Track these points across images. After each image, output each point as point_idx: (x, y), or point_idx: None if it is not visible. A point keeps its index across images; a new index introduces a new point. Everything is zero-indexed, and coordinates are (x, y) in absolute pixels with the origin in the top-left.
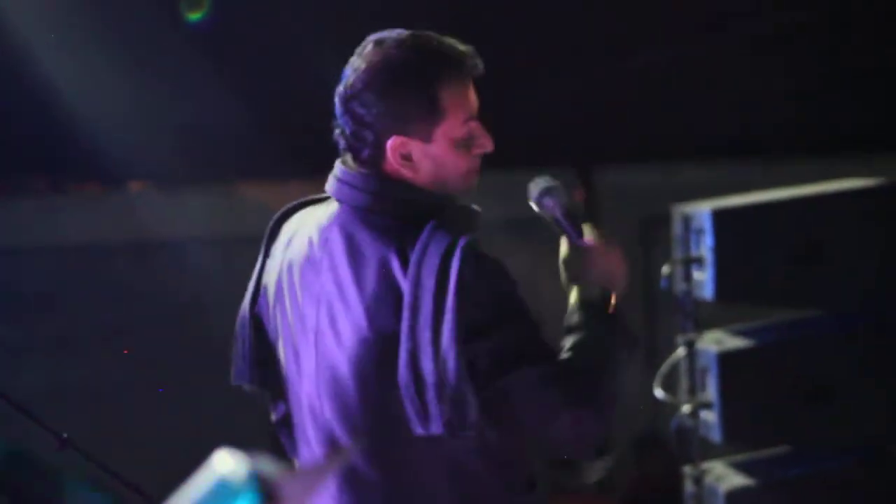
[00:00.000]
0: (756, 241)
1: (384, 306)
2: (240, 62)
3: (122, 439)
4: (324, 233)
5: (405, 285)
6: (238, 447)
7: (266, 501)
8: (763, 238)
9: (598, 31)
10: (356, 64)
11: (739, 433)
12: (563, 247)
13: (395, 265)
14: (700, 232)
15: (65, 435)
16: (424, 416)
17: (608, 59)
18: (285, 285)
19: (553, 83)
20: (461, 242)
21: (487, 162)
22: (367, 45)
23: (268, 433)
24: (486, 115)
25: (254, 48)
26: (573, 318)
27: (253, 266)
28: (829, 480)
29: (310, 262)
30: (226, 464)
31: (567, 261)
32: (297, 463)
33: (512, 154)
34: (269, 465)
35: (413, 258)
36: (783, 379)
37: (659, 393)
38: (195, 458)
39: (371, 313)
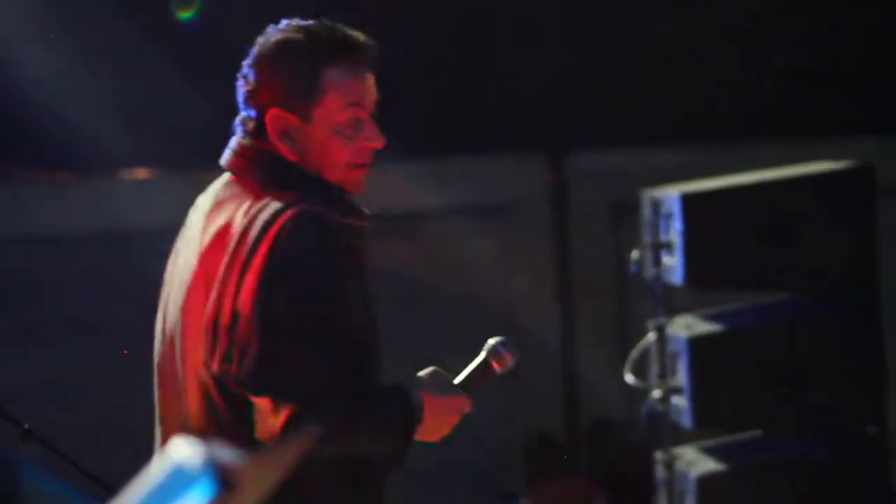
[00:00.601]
0: (725, 226)
1: (216, 253)
2: (207, 53)
3: (90, 431)
4: (200, 199)
5: (235, 235)
6: None
7: (222, 488)
8: (732, 222)
9: (569, 15)
10: (256, 43)
11: (710, 418)
12: (463, 375)
13: (238, 217)
14: (669, 216)
15: (27, 426)
16: (211, 353)
17: (578, 43)
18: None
19: (523, 68)
20: (301, 205)
21: (458, 146)
22: (268, 28)
23: None
24: (457, 101)
25: (219, 38)
26: (413, 386)
27: None
28: (800, 465)
29: (184, 226)
30: (181, 451)
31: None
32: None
33: (483, 139)
34: (225, 452)
35: (252, 210)
36: (754, 364)
37: (629, 378)
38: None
39: (204, 258)
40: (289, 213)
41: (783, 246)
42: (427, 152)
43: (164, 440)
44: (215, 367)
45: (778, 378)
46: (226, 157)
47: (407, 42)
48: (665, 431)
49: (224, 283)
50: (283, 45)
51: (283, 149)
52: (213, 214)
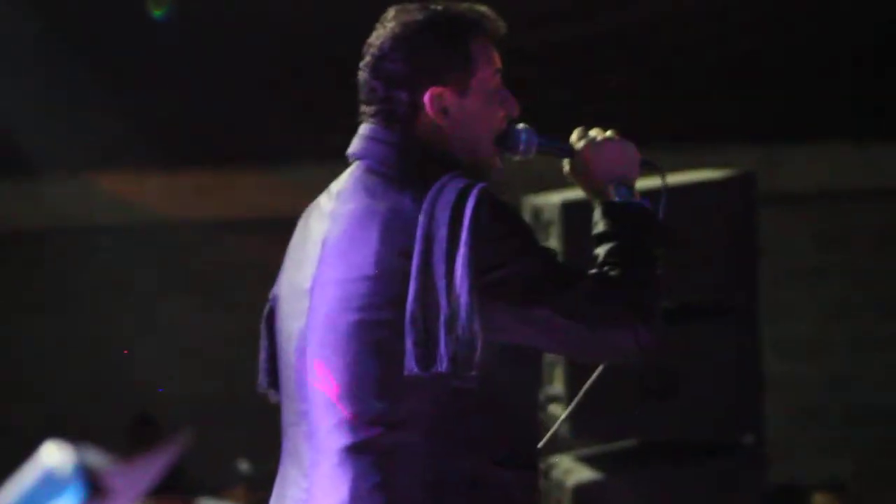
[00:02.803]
0: None
1: (392, 244)
2: (103, 53)
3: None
4: (337, 188)
5: (420, 219)
6: (100, 433)
7: (93, 494)
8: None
9: None
10: (382, 30)
11: (587, 427)
12: (565, 167)
13: (409, 206)
14: (550, 223)
15: None
16: (429, 353)
17: None
18: (293, 258)
19: None
20: (478, 185)
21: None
22: (390, 13)
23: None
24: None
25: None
26: (598, 226)
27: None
28: (676, 474)
29: (319, 215)
30: (53, 455)
31: (573, 174)
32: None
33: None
34: (96, 458)
35: (428, 196)
36: (629, 373)
37: None
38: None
39: (379, 251)
40: (472, 196)
41: (665, 252)
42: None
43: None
44: (439, 365)
45: (654, 387)
46: (364, 146)
47: None
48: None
49: (427, 279)
50: (426, 25)
51: (443, 125)
52: (355, 202)
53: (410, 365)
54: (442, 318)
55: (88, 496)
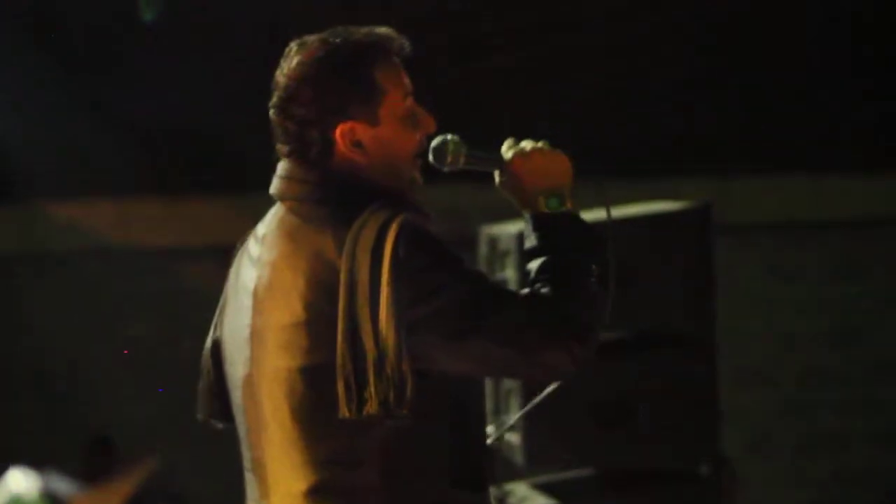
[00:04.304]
0: None
1: (318, 289)
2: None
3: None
4: (263, 231)
5: (342, 264)
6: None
7: None
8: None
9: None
10: (284, 69)
11: (542, 455)
12: (496, 178)
13: (331, 248)
14: (506, 254)
15: None
16: (359, 396)
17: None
18: (231, 301)
19: None
20: (398, 218)
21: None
22: (291, 49)
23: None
24: None
25: (66, 71)
26: (529, 241)
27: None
28: (632, 502)
29: (249, 261)
30: (18, 481)
31: (503, 187)
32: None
33: None
34: (62, 484)
35: (349, 237)
36: (586, 401)
37: None
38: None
39: (305, 297)
40: (391, 232)
41: (621, 284)
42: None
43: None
44: (369, 407)
45: (611, 416)
46: (282, 187)
47: None
48: (497, 467)
49: (353, 322)
50: (328, 60)
51: (358, 159)
52: (279, 248)
53: (342, 409)
54: (370, 360)
55: None
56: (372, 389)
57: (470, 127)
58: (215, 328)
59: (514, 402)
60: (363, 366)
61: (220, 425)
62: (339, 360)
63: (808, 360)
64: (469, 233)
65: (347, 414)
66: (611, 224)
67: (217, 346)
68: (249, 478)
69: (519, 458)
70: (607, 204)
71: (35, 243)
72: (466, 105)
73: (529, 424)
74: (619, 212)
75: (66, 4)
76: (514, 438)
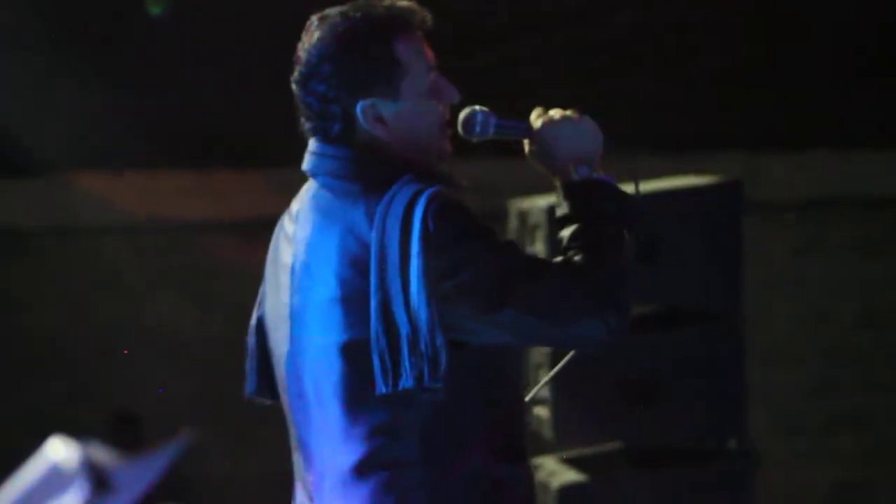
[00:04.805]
0: None
1: (352, 264)
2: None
3: None
4: (297, 208)
5: (373, 236)
6: (79, 432)
7: (98, 489)
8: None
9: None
10: (305, 44)
11: (572, 430)
12: (525, 147)
13: (362, 223)
14: (536, 227)
15: None
16: (395, 370)
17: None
18: (270, 278)
19: None
20: (427, 191)
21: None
22: (311, 24)
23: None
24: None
25: (97, 43)
26: (560, 209)
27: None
28: (661, 479)
29: (285, 238)
30: (58, 451)
31: (533, 156)
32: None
33: None
34: (101, 453)
35: (378, 211)
36: (615, 376)
37: None
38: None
39: (340, 273)
40: (420, 205)
41: (647, 259)
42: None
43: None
44: (404, 381)
45: (639, 391)
46: (314, 163)
47: None
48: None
49: (385, 296)
50: (348, 36)
51: (381, 136)
52: (313, 224)
53: (378, 384)
54: (403, 334)
55: (93, 491)
56: (406, 363)
57: (503, 107)
58: (258, 305)
59: (544, 376)
60: (397, 340)
61: (267, 402)
62: (373, 335)
63: (835, 338)
64: (499, 207)
65: (384, 389)
66: (641, 198)
67: (261, 323)
68: (296, 457)
69: (548, 432)
70: (636, 181)
71: (61, 217)
72: (499, 85)
73: (559, 399)
74: (649, 186)
75: None
76: (543, 413)
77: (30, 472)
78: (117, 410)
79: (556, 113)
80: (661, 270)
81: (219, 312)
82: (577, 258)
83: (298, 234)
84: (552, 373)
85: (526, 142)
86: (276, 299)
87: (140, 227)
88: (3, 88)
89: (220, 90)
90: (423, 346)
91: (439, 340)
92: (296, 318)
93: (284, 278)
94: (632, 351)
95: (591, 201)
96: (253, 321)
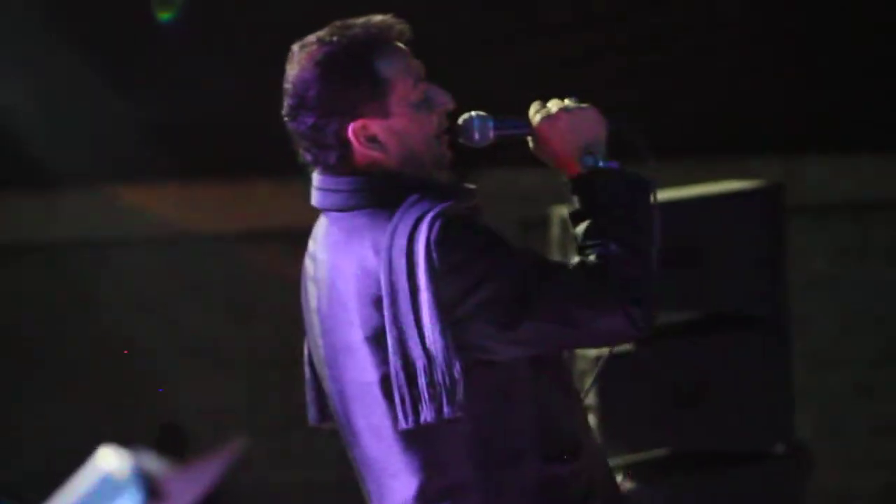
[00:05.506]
0: None
1: (370, 303)
2: (118, 63)
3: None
4: (313, 248)
5: (381, 273)
6: (122, 445)
7: (150, 498)
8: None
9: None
10: (289, 75)
11: (619, 436)
12: (531, 144)
13: (371, 258)
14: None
15: None
16: (414, 405)
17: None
18: (306, 314)
19: None
20: (428, 215)
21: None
22: (292, 54)
23: (153, 432)
24: None
25: (133, 53)
26: (570, 205)
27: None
28: (709, 483)
29: (309, 279)
30: (109, 460)
31: (538, 153)
32: None
33: None
34: (153, 462)
35: (384, 245)
36: (662, 382)
37: None
38: (79, 458)
39: (360, 313)
40: (422, 234)
41: (692, 264)
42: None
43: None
44: (425, 415)
45: (686, 396)
46: (319, 199)
47: None
48: None
49: (399, 331)
50: (327, 61)
51: (377, 156)
52: (328, 264)
53: (400, 420)
54: (420, 367)
55: (146, 501)
56: (425, 395)
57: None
58: (306, 335)
59: (589, 384)
60: (414, 373)
61: (331, 427)
62: (392, 371)
63: (878, 341)
64: (540, 214)
65: (405, 424)
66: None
67: (310, 354)
68: (363, 487)
69: (595, 439)
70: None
71: (98, 230)
72: (528, 88)
73: (605, 406)
74: (690, 191)
75: None
76: (590, 420)
77: (81, 482)
78: (162, 423)
79: (553, 105)
80: (705, 276)
81: (260, 324)
82: (591, 257)
83: (318, 274)
84: (594, 379)
85: (529, 138)
86: (313, 340)
87: (178, 238)
88: (35, 102)
89: (256, 100)
90: (439, 377)
91: (456, 370)
92: (331, 360)
93: (315, 320)
94: (678, 356)
95: (600, 193)
96: (306, 351)
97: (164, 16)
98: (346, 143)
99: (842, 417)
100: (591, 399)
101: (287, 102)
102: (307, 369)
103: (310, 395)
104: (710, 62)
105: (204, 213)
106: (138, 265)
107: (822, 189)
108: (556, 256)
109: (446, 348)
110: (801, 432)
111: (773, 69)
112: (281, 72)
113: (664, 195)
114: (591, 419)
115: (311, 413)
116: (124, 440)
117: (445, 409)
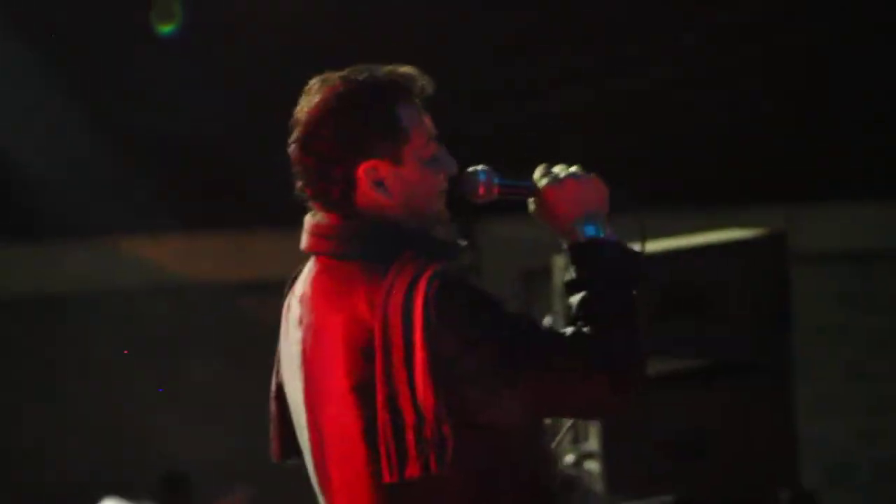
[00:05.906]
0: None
1: (359, 353)
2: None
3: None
4: (301, 290)
5: (375, 327)
6: (125, 495)
7: None
8: (643, 288)
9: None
10: (304, 106)
11: (623, 483)
12: (530, 206)
13: (364, 308)
14: None
15: None
16: (400, 460)
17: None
18: (284, 353)
19: None
20: (426, 274)
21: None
22: (313, 86)
23: (155, 481)
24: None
25: (129, 99)
26: (568, 273)
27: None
28: None
29: (293, 322)
30: None
31: (538, 215)
32: None
33: None
34: None
35: (379, 300)
36: (661, 430)
37: None
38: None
39: (348, 362)
40: (419, 293)
41: (691, 313)
42: None
43: None
44: (410, 470)
45: (689, 445)
46: (311, 243)
47: None
48: (579, 495)
49: (390, 387)
50: (352, 97)
51: (381, 199)
52: (317, 310)
53: (384, 473)
54: (410, 423)
55: None
56: (413, 451)
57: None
58: (276, 373)
59: (594, 429)
60: (403, 430)
61: (295, 462)
62: (379, 426)
63: (881, 388)
64: (545, 263)
65: (389, 478)
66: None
67: (280, 390)
68: None
69: (599, 485)
70: (643, 236)
71: (103, 281)
72: (533, 142)
73: (609, 453)
74: (694, 240)
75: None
76: (594, 466)
77: None
78: (165, 471)
79: (559, 170)
80: (708, 323)
81: (261, 372)
82: (585, 329)
83: (305, 318)
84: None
85: (530, 200)
86: (292, 384)
87: (181, 288)
88: (40, 156)
89: (259, 153)
90: (429, 434)
91: (446, 428)
92: (310, 407)
93: (296, 365)
94: (681, 404)
95: (598, 265)
96: (273, 387)
97: (165, 29)
98: (352, 182)
99: (846, 465)
100: (594, 445)
101: (298, 133)
102: (273, 404)
103: (274, 431)
104: (712, 113)
105: (205, 263)
106: (138, 315)
107: (823, 236)
108: (558, 305)
109: (437, 408)
110: (806, 479)
111: (775, 119)
112: (287, 127)
113: (669, 244)
114: (595, 466)
115: (274, 448)
116: (126, 490)
117: (432, 467)
